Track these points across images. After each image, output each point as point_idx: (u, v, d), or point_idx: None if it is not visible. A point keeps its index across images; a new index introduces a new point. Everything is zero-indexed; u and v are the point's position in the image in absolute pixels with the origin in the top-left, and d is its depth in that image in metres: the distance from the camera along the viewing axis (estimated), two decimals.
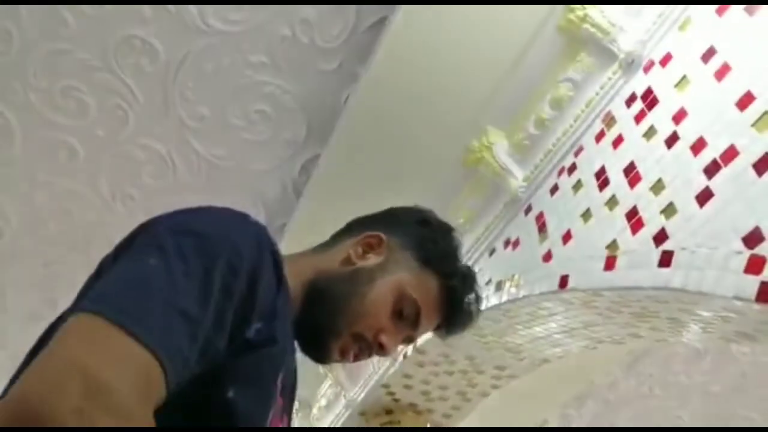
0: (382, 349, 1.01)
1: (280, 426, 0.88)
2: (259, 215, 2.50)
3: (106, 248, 0.83)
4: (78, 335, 0.63)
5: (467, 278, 1.08)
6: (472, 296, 1.07)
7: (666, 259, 1.50)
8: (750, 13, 1.55)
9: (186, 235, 0.75)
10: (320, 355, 1.00)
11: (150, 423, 0.62)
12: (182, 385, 0.67)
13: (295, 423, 3.50)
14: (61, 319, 0.82)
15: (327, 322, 0.97)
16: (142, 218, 0.82)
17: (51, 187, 2.55)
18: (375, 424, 2.83)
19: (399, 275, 1.00)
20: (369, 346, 1.01)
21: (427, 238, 1.06)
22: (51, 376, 0.58)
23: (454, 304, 1.05)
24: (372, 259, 1.00)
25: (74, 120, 2.32)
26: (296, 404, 3.56)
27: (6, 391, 0.75)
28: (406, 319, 1.02)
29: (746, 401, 3.87)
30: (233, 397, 0.75)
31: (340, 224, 1.13)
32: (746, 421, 4.03)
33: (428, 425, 2.81)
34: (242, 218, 0.83)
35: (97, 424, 0.56)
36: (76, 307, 0.69)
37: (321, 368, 3.27)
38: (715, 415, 3.95)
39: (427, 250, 1.03)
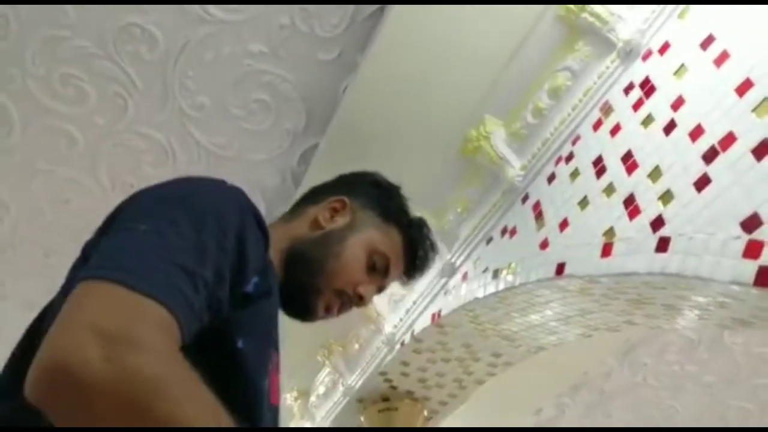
0: (361, 300, 1.11)
1: (276, 380, 0.93)
2: (258, 204, 2.49)
3: None
4: (85, 300, 0.63)
5: (423, 228, 1.20)
6: (428, 243, 1.20)
7: (663, 245, 1.50)
8: None
9: (171, 201, 0.78)
10: (307, 314, 1.08)
11: (179, 356, 0.62)
12: (191, 340, 0.69)
13: (294, 410, 3.52)
14: (51, 306, 0.83)
15: (309, 282, 1.05)
16: None
17: (50, 176, 2.55)
18: (372, 411, 2.85)
19: (367, 233, 1.10)
20: (350, 300, 1.10)
21: (384, 197, 1.17)
22: (68, 340, 0.58)
23: (415, 252, 1.17)
24: (339, 222, 1.09)
25: (73, 108, 2.32)
26: (294, 392, 3.58)
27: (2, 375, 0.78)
28: (377, 271, 1.13)
29: (739, 391, 3.90)
30: (242, 347, 0.79)
31: None
32: (739, 411, 4.07)
33: (425, 412, 2.83)
34: (221, 183, 0.87)
35: (128, 362, 0.57)
36: (70, 285, 0.70)
37: (319, 356, 3.29)
38: (709, 405, 3.98)
39: (385, 207, 1.14)
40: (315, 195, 1.19)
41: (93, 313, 0.61)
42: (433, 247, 1.22)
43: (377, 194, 1.18)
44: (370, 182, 1.21)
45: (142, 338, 0.59)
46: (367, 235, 1.10)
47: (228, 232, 0.77)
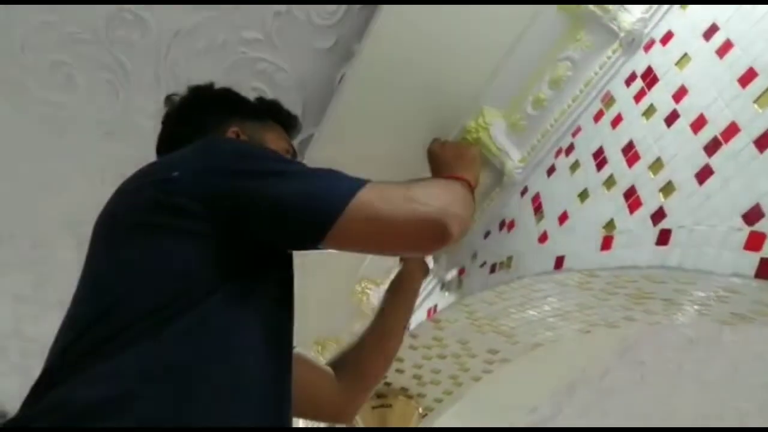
0: None
1: None
2: None
3: None
4: (386, 193, 1.18)
5: (274, 102, 1.48)
6: (285, 108, 1.48)
7: (663, 238, 1.48)
8: None
9: (257, 155, 1.15)
10: None
11: None
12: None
13: None
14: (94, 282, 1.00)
15: None
16: None
17: (39, 166, 2.50)
18: (366, 408, 2.81)
19: (266, 139, 1.31)
20: None
21: (240, 101, 1.39)
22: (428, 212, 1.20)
23: (290, 123, 1.45)
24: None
25: (62, 95, 2.27)
26: None
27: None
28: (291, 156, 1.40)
29: (737, 391, 3.89)
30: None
31: None
32: (736, 411, 4.05)
33: (420, 409, 2.79)
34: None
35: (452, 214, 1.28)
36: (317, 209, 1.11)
37: (313, 352, 3.25)
38: (706, 404, 3.96)
39: (251, 109, 1.35)
40: (196, 133, 1.28)
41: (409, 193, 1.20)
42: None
43: (237, 103, 1.39)
44: (222, 96, 1.40)
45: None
46: (268, 141, 1.31)
47: None
